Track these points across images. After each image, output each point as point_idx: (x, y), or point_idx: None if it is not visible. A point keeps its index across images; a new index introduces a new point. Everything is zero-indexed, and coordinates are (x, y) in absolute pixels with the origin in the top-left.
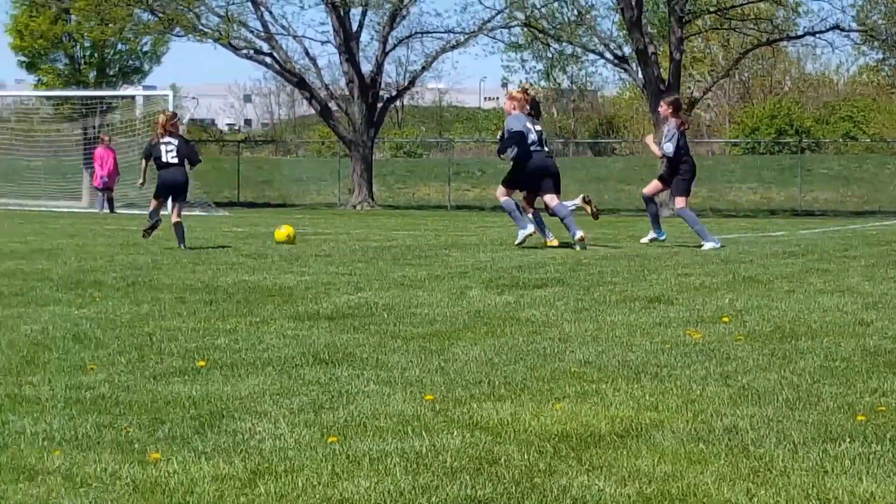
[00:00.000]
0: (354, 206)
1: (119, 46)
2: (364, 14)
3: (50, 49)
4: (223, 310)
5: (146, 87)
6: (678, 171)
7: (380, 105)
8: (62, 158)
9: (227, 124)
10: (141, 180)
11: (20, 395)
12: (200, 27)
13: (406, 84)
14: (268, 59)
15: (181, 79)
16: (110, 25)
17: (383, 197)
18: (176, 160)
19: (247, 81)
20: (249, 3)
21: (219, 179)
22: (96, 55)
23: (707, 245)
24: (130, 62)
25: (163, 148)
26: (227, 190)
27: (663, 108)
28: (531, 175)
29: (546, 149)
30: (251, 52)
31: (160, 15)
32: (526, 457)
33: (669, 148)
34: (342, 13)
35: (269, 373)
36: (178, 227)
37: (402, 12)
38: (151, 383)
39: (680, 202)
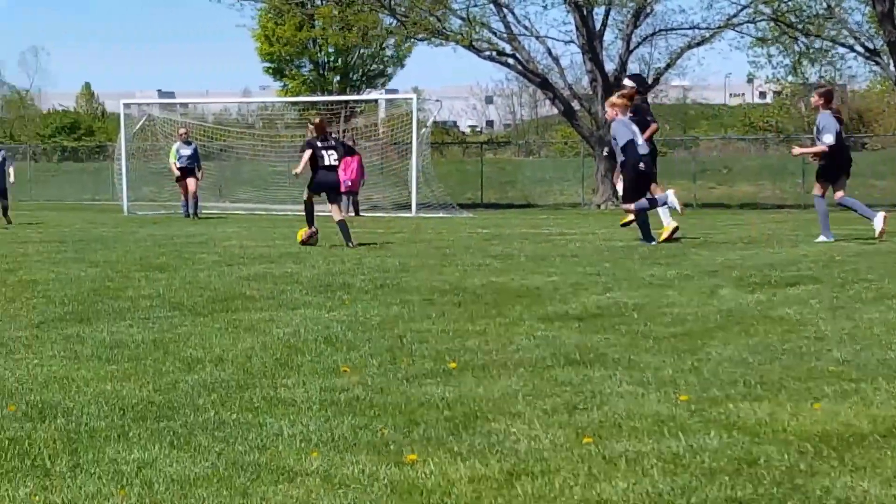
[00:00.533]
0: (598, 206)
1: (362, 51)
2: (607, 13)
3: (295, 55)
4: (472, 311)
5: (389, 91)
6: (835, 160)
7: None
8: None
9: (470, 126)
10: (299, 170)
11: (276, 397)
12: (443, 30)
13: (650, 82)
14: (510, 60)
15: (423, 82)
16: (353, 30)
17: None
18: (337, 163)
19: (488, 83)
20: (492, 5)
21: (462, 181)
22: (340, 60)
23: (821, 238)
24: (374, 66)
25: (324, 152)
26: (471, 191)
27: (815, 99)
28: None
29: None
30: (493, 53)
31: (403, 19)
32: (786, 457)
33: (830, 139)
34: (585, 12)
35: (521, 374)
36: (342, 225)
37: (646, 10)
38: (404, 385)
39: (820, 190)
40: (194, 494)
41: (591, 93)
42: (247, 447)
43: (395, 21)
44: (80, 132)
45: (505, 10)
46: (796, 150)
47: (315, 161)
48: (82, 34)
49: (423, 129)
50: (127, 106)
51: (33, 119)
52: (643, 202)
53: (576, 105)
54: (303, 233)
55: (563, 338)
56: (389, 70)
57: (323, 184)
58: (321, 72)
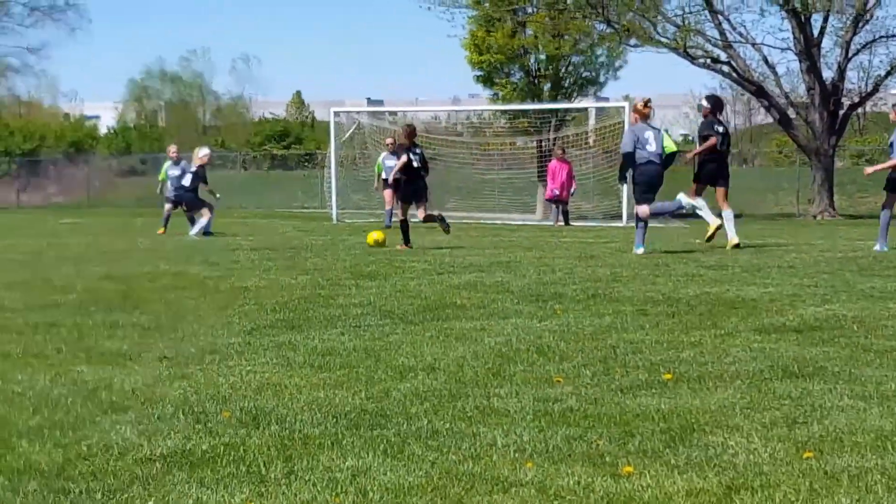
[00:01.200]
0: (815, 217)
1: (574, 59)
2: (825, 19)
3: (506, 63)
4: (686, 322)
5: (600, 99)
6: None
7: (841, 112)
8: (516, 172)
9: (682, 135)
10: (394, 174)
11: (489, 406)
12: (656, 37)
13: (869, 90)
14: (724, 68)
15: (635, 90)
16: (566, 38)
17: (843, 206)
18: (420, 166)
19: (701, 91)
20: (706, 12)
21: (676, 191)
22: (551, 68)
23: (876, 247)
24: (586, 74)
25: (413, 156)
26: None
27: (892, 116)
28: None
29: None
30: (707, 60)
31: (616, 26)
32: None
33: None
34: (802, 19)
35: (738, 386)
36: (430, 217)
37: (866, 16)
38: (619, 396)
39: None
40: (408, 503)
41: (807, 101)
42: (460, 457)
43: (607, 27)
44: (289, 140)
45: (720, 18)
46: (868, 170)
47: (409, 168)
48: (293, 42)
49: None
50: (336, 114)
51: (244, 127)
52: (643, 208)
53: (791, 113)
54: (379, 237)
55: (781, 350)
56: (602, 78)
57: (414, 190)
58: (532, 79)
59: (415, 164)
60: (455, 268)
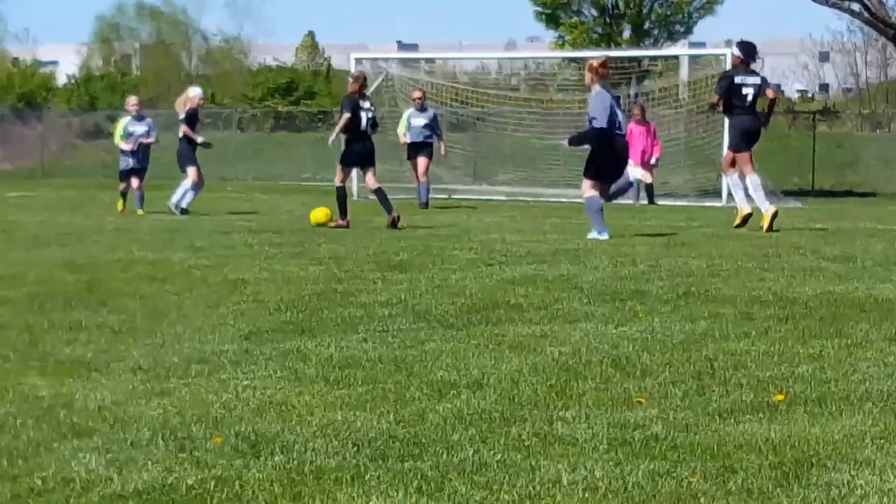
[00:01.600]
0: None
1: None
2: None
3: None
4: (803, 329)
5: (693, 45)
6: None
7: None
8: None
9: (798, 91)
10: (333, 137)
11: (552, 433)
12: None
13: None
14: (854, 6)
15: (739, 33)
16: None
17: None
18: (371, 129)
19: (824, 35)
20: None
21: (787, 161)
22: (633, 4)
23: None
24: (675, 15)
25: (363, 114)
26: (799, 175)
27: None
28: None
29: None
30: None
31: None
32: None
33: None
34: None
35: (869, 410)
36: (380, 192)
37: None
38: (716, 422)
39: None
40: None
41: None
42: (515, 496)
43: None
44: (298, 94)
45: None
46: None
47: (354, 125)
48: None
49: None
50: (359, 61)
51: (241, 77)
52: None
53: None
54: (323, 216)
55: None
56: (695, 18)
57: (357, 155)
58: (608, 20)
59: (363, 122)
60: (509, 257)
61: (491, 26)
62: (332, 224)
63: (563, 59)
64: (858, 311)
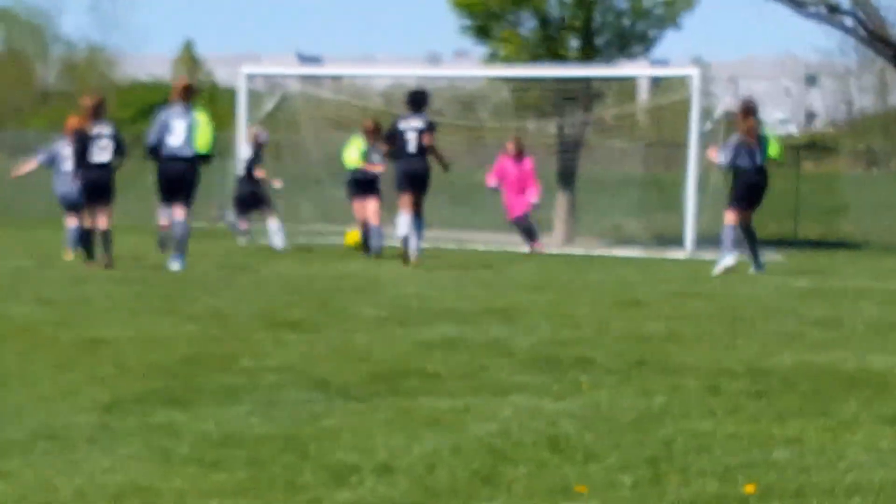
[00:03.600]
0: None
1: (615, 2)
2: None
3: (511, 5)
4: (779, 406)
5: (655, 63)
6: None
7: None
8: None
9: (780, 120)
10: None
11: None
12: None
13: None
14: (847, 21)
15: (709, 50)
16: None
17: None
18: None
19: (810, 55)
20: None
21: (766, 204)
22: (580, 14)
23: None
24: (632, 25)
25: (95, 143)
26: (778, 220)
27: None
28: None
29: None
30: (822, 8)
31: None
32: None
33: None
34: None
35: None
36: (106, 235)
37: None
38: None
39: None
40: None
41: None
42: None
43: None
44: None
45: None
46: None
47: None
48: None
49: (708, 124)
50: (250, 78)
51: (107, 93)
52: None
53: None
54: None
55: None
56: (654, 32)
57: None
58: (550, 32)
59: (95, 155)
60: (425, 316)
61: (409, 37)
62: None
63: (496, 77)
64: (847, 386)
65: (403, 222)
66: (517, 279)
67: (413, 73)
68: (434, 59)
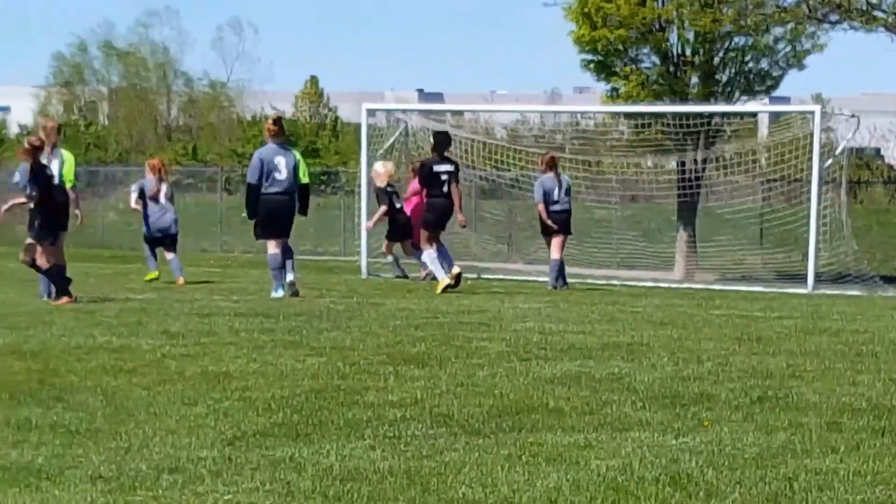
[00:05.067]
0: None
1: (737, 40)
2: None
3: (633, 43)
4: None
5: (775, 100)
6: None
7: None
8: (648, 206)
9: None
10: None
11: None
12: (871, 11)
13: None
14: None
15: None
16: (725, 11)
17: None
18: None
19: None
20: None
21: (889, 241)
22: (702, 52)
23: None
24: (755, 65)
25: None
26: None
27: None
28: None
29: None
30: None
31: None
32: None
33: None
34: None
35: None
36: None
37: None
38: None
39: None
40: None
41: None
42: None
43: None
44: (298, 150)
45: None
46: None
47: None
48: (307, 7)
49: (830, 160)
50: (371, 112)
51: (229, 129)
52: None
53: None
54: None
55: None
56: (777, 71)
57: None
58: (672, 69)
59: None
60: (548, 351)
61: (531, 75)
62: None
63: (616, 113)
64: None
65: (433, 257)
66: (640, 314)
67: (534, 108)
68: (555, 97)
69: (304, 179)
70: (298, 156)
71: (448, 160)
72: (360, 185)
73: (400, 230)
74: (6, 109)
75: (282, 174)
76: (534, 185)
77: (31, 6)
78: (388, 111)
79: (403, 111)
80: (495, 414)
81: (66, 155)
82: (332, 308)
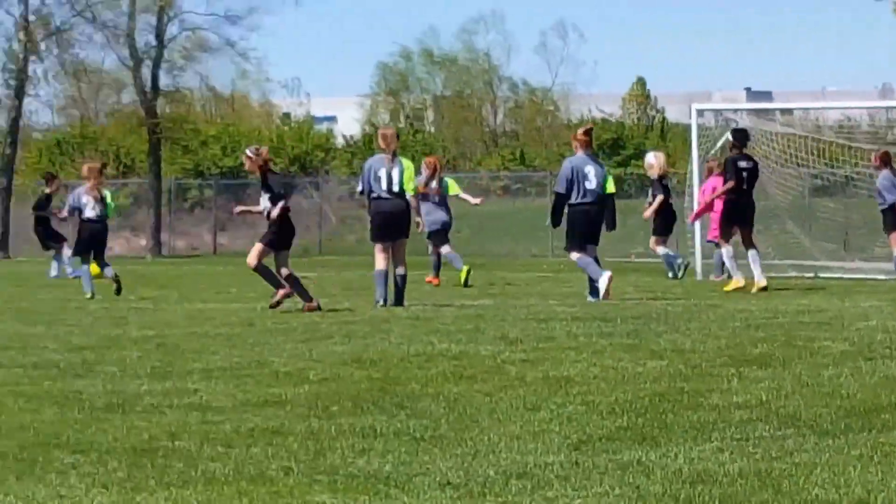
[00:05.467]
0: None
1: None
2: None
3: None
4: None
5: None
6: None
7: None
8: None
9: None
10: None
11: None
12: None
13: None
14: None
15: None
16: None
17: None
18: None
19: None
20: None
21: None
22: None
23: None
24: None
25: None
26: None
27: None
28: None
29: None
30: None
31: None
32: None
33: None
34: None
35: None
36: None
37: None
38: None
39: None
40: None
41: None
42: None
43: None
44: (626, 152)
45: None
46: None
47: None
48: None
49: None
50: (700, 113)
51: (554, 133)
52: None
53: None
54: None
55: None
56: None
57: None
58: None
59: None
60: (893, 350)
61: (861, 70)
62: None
63: None
64: None
65: (730, 255)
66: None
67: (865, 105)
68: (886, 91)
69: (610, 189)
70: (604, 167)
71: (748, 157)
72: (690, 186)
73: (665, 224)
74: (333, 119)
75: (592, 183)
76: (877, 182)
77: (356, 18)
78: (717, 111)
79: (734, 111)
80: (843, 414)
81: (406, 163)
82: (670, 310)
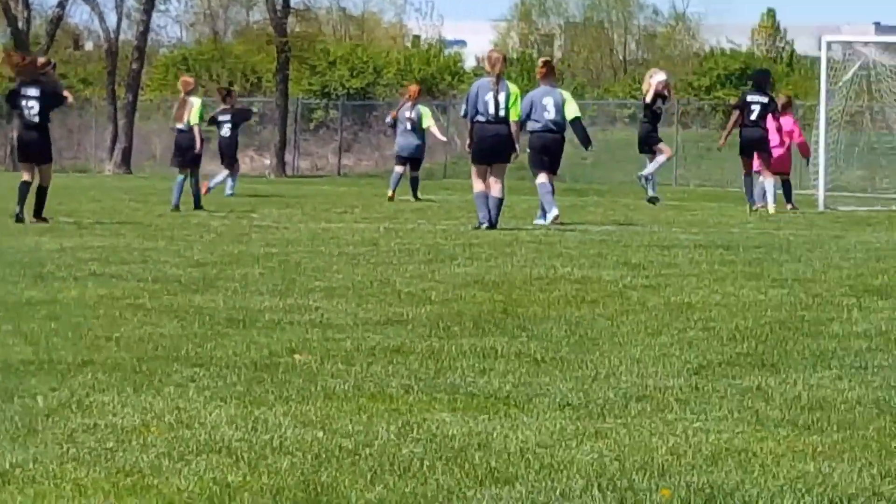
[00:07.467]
0: None
1: None
2: None
3: None
4: None
5: None
6: None
7: None
8: None
9: None
10: None
11: None
12: None
13: None
14: None
15: None
16: None
17: None
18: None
19: None
20: None
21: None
22: None
23: None
24: None
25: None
26: None
27: None
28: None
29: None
30: None
31: None
32: None
33: None
34: None
35: None
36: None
37: None
38: None
39: None
40: None
41: None
42: None
43: None
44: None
45: None
46: None
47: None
48: None
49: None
50: (829, 45)
51: (684, 62)
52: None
53: None
54: None
55: None
56: None
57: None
58: None
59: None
60: None
61: None
62: None
63: None
64: None
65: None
66: None
67: None
68: None
69: (571, 114)
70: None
71: (764, 93)
72: (818, 119)
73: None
74: (462, 43)
75: (550, 113)
76: None
77: None
78: (847, 43)
79: (864, 43)
80: None
81: (512, 87)
82: (792, 240)
